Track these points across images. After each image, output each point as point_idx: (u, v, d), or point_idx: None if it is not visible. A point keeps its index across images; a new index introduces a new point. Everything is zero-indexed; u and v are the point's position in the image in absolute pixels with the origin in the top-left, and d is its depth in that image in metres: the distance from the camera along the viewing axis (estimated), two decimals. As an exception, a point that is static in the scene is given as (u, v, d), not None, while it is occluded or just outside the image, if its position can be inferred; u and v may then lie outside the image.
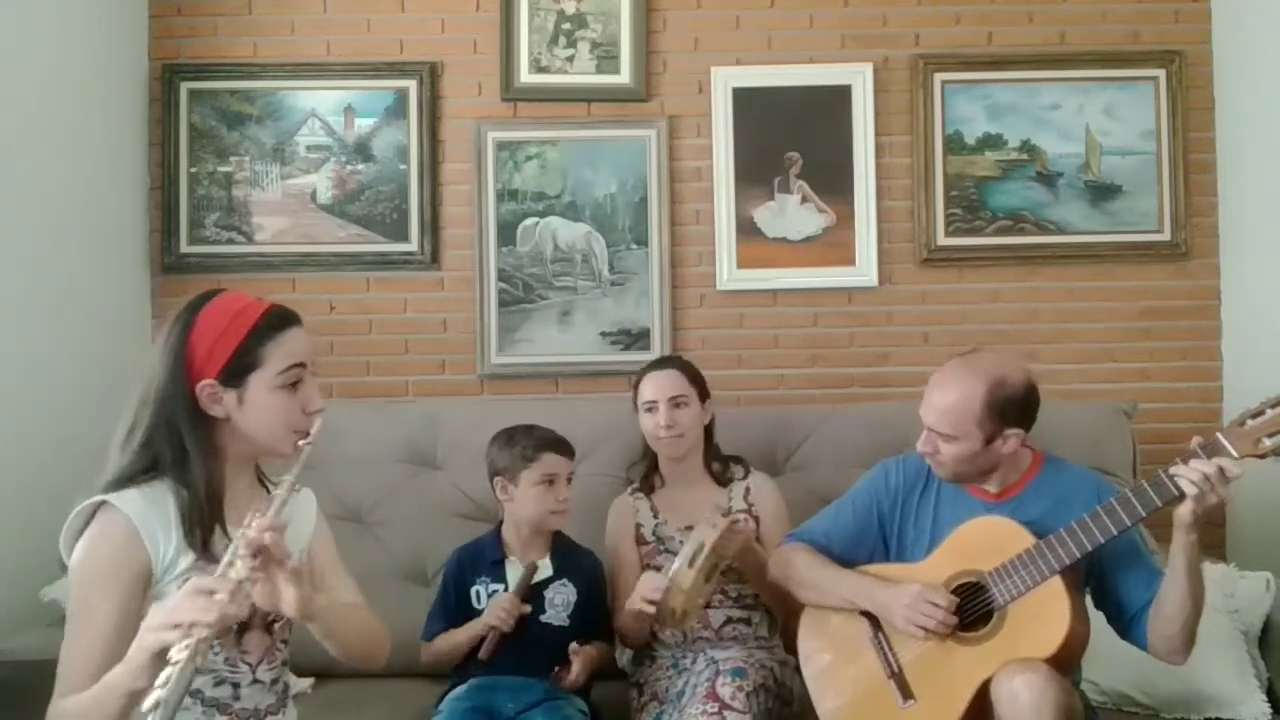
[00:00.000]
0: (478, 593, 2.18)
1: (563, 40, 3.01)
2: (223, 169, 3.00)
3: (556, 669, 2.09)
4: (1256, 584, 2.31)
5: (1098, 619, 1.88)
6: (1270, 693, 2.21)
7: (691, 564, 1.98)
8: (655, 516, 2.34)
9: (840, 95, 3.01)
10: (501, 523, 2.27)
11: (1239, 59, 2.94)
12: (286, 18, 3.02)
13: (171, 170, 2.97)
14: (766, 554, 2.17)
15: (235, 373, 1.46)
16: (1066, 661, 1.77)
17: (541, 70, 3.01)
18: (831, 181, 3.01)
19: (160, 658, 1.24)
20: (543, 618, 2.14)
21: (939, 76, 3.01)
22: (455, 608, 2.20)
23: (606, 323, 3.00)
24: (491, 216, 2.99)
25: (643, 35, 3.00)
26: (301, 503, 1.63)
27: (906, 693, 1.87)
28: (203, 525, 1.44)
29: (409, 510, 2.61)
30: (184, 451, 1.44)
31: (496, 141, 2.99)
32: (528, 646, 2.10)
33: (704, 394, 2.36)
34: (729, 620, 2.24)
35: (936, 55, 3.02)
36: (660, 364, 2.43)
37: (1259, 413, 1.68)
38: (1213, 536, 2.87)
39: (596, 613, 2.22)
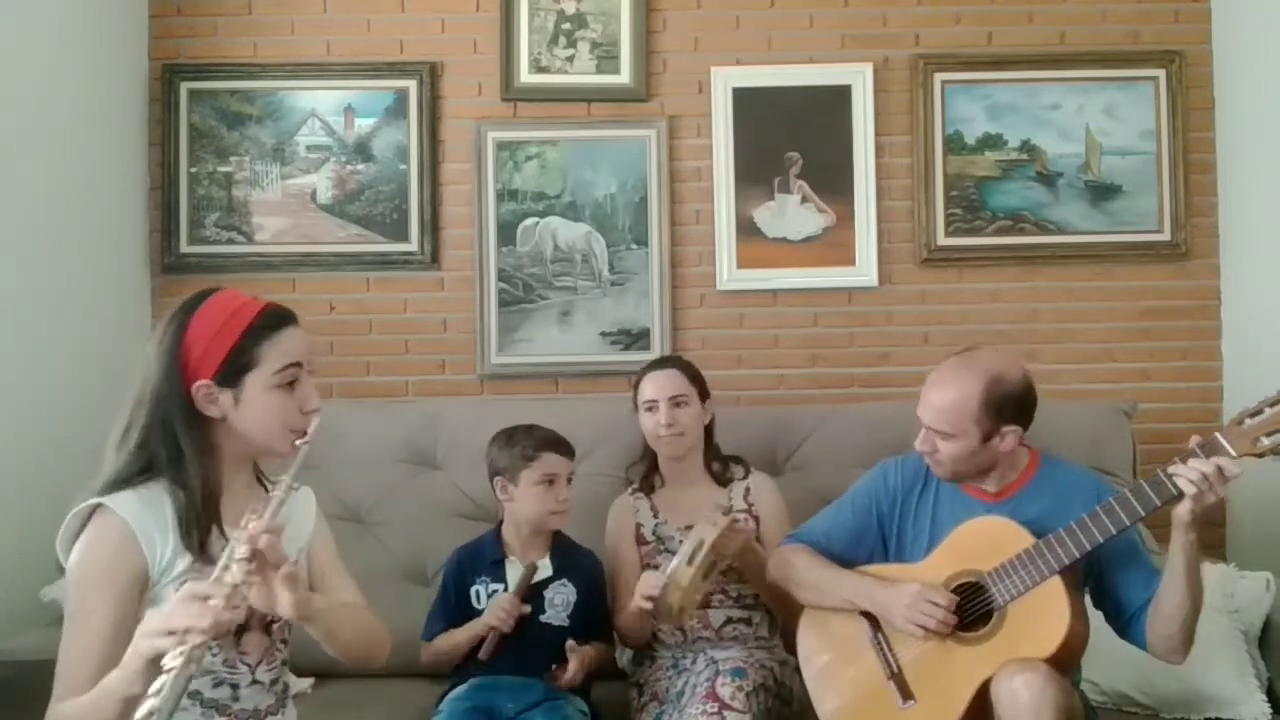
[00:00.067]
0: (477, 593, 2.18)
1: (563, 40, 3.01)
2: (223, 169, 3.00)
3: (554, 667, 2.09)
4: (1256, 584, 2.31)
5: (1096, 618, 1.88)
6: (1270, 693, 2.21)
7: (691, 561, 1.99)
8: (655, 516, 2.34)
9: (840, 95, 3.01)
10: (501, 523, 2.27)
11: (1239, 59, 2.94)
12: (286, 18, 3.02)
13: (171, 170, 2.97)
14: (766, 554, 2.17)
15: (231, 373, 1.44)
16: (1066, 661, 1.77)
17: (541, 70, 3.01)
18: (831, 181, 3.01)
19: (155, 664, 1.23)
20: (542, 618, 2.14)
21: (939, 76, 3.01)
22: (455, 608, 2.20)
23: (606, 323, 3.00)
24: (491, 216, 2.99)
25: (643, 35, 3.00)
26: (300, 501, 1.62)
27: (906, 693, 1.87)
28: (199, 527, 1.43)
29: (409, 510, 2.61)
30: (179, 452, 1.43)
31: (496, 141, 3.00)
32: (527, 646, 2.10)
33: (704, 394, 2.36)
34: (729, 620, 2.24)
35: (936, 55, 3.02)
36: (660, 363, 2.44)
37: (1257, 412, 1.68)
38: (1213, 536, 2.87)
39: (596, 613, 2.22)
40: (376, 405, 2.89)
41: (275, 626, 1.53)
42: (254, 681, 1.50)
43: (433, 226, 3.00)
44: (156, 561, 1.42)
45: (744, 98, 3.00)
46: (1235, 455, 1.66)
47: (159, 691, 1.20)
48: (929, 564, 1.93)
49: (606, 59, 3.01)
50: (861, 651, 1.94)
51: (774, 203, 3.01)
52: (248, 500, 1.44)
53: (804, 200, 3.01)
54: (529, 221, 3.00)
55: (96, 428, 1.53)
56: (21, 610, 2.28)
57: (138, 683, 1.24)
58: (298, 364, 1.49)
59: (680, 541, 2.17)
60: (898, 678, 1.88)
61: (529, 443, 2.18)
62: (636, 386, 2.38)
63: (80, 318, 2.63)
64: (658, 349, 2.95)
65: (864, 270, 3.00)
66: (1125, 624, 1.86)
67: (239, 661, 1.49)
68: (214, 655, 1.44)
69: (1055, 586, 1.77)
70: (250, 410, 1.46)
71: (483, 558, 2.22)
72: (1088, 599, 1.89)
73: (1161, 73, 3.01)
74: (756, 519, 2.32)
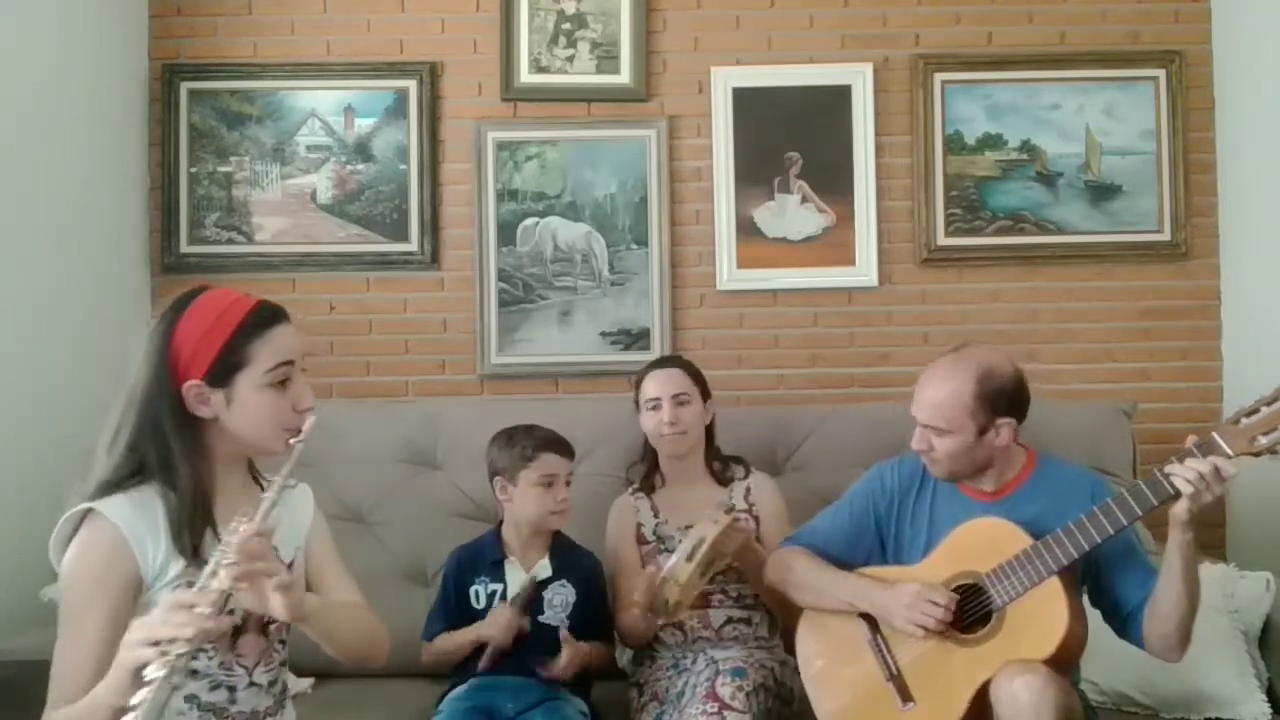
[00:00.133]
0: (477, 592, 2.18)
1: (563, 40, 3.01)
2: (223, 169, 3.00)
3: (545, 659, 2.08)
4: (1256, 584, 2.31)
5: (1094, 617, 1.89)
6: (1270, 693, 2.21)
7: (691, 558, 1.99)
8: (656, 516, 2.34)
9: (840, 95, 3.01)
10: (501, 523, 2.27)
11: (1239, 59, 2.94)
12: (286, 18, 3.02)
13: (171, 170, 2.97)
14: (766, 553, 2.17)
15: (222, 372, 1.42)
16: (1065, 662, 1.77)
17: (541, 70, 3.01)
18: (831, 181, 3.01)
19: (140, 675, 1.21)
20: (542, 618, 2.14)
21: (939, 76, 3.01)
22: (455, 607, 2.20)
23: (606, 323, 3.00)
24: (491, 216, 2.99)
25: (643, 35, 3.00)
26: (298, 498, 1.61)
27: (906, 695, 1.87)
28: (192, 530, 1.40)
29: (409, 510, 2.61)
30: (170, 454, 1.41)
31: (496, 141, 2.99)
32: (527, 647, 2.10)
33: (705, 393, 2.37)
34: (729, 620, 2.24)
35: (936, 55, 3.02)
36: (663, 363, 2.44)
37: (1254, 411, 1.68)
38: (1213, 536, 2.87)
39: (596, 613, 2.22)
40: (376, 405, 2.89)
41: (272, 628, 1.51)
42: (251, 684, 1.48)
43: (433, 226, 3.00)
44: (149, 566, 1.40)
45: (744, 98, 3.00)
46: (1232, 454, 1.66)
47: (139, 704, 1.19)
48: (927, 565, 1.93)
49: (606, 59, 3.01)
50: (860, 653, 1.94)
51: (774, 203, 3.01)
52: (243, 500, 1.42)
53: (804, 200, 3.01)
54: (529, 221, 3.00)
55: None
56: (21, 610, 2.28)
57: (125, 694, 1.22)
58: (290, 362, 1.46)
59: (680, 541, 2.17)
60: (897, 679, 1.88)
61: (528, 443, 2.18)
62: (638, 386, 2.38)
63: (80, 318, 2.63)
64: (658, 349, 2.95)
65: (864, 270, 3.00)
66: (1122, 623, 1.87)
67: (236, 664, 1.47)
68: (210, 658, 1.43)
69: (1054, 587, 1.77)
70: (242, 410, 1.43)
71: (482, 558, 2.22)
72: (1085, 598, 1.90)
73: (1161, 73, 3.01)
74: (757, 519, 2.32)
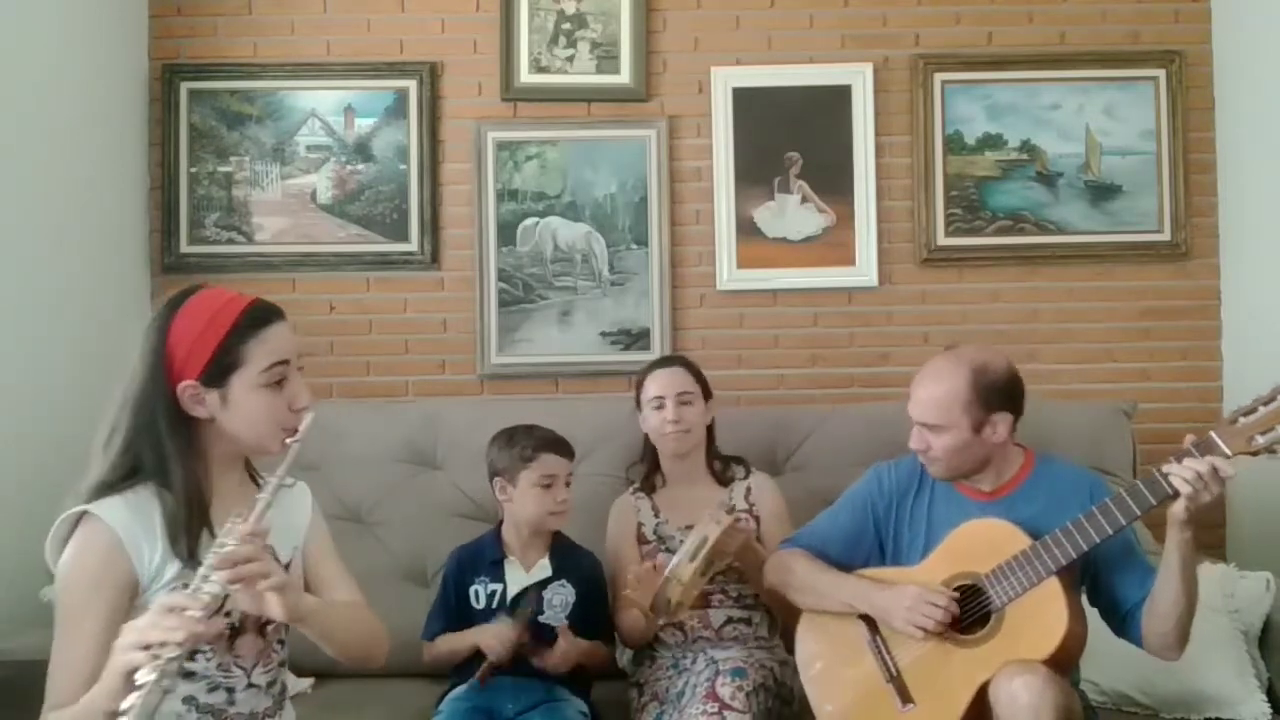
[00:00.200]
0: (477, 593, 2.18)
1: (563, 40, 3.01)
2: (223, 169, 3.00)
3: (541, 649, 2.07)
4: (1256, 584, 2.31)
5: (1091, 616, 1.89)
6: (1270, 693, 2.21)
7: (693, 558, 2.00)
8: (656, 516, 2.34)
9: (840, 95, 3.01)
10: (501, 523, 2.27)
11: (1239, 59, 2.94)
12: (286, 18, 3.02)
13: (171, 170, 2.97)
14: (766, 553, 2.17)
15: (217, 372, 1.41)
16: (1065, 662, 1.77)
17: (541, 70, 3.01)
18: (831, 181, 3.01)
19: (131, 679, 1.21)
20: (542, 618, 2.14)
21: (939, 76, 3.01)
22: (455, 608, 2.20)
23: (606, 323, 3.00)
24: (491, 216, 2.99)
25: (643, 35, 3.00)
26: (296, 497, 1.60)
27: (905, 696, 1.86)
28: (188, 532, 1.39)
29: (409, 510, 2.61)
30: (165, 454, 1.40)
31: (496, 141, 2.99)
32: (525, 648, 2.10)
33: (707, 393, 2.38)
34: (729, 620, 2.24)
35: (936, 55, 3.02)
36: (665, 362, 2.45)
37: (1251, 410, 1.68)
38: (1213, 537, 2.87)
39: (596, 613, 2.22)
40: (376, 405, 2.89)
41: (270, 629, 1.50)
42: (250, 685, 1.47)
43: (433, 226, 3.00)
44: (145, 569, 1.39)
45: (744, 98, 3.00)
46: (1230, 454, 1.66)
47: (129, 710, 1.18)
48: (926, 566, 1.93)
49: (606, 59, 3.01)
50: (860, 655, 1.94)
51: (774, 203, 3.01)
52: (240, 500, 1.41)
53: (804, 200, 3.01)
54: (529, 221, 3.00)
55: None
56: (21, 610, 2.28)
57: (118, 698, 1.21)
58: (285, 361, 1.45)
59: (681, 541, 2.17)
60: (897, 680, 1.88)
61: (528, 443, 2.18)
62: (640, 385, 2.38)
63: (80, 318, 2.63)
64: (658, 349, 2.95)
65: (864, 270, 3.00)
66: (1121, 622, 1.87)
67: (234, 665, 1.46)
68: (208, 660, 1.43)
69: (1053, 587, 1.78)
70: (238, 410, 1.43)
71: (482, 558, 2.22)
72: (1083, 597, 1.90)
73: (1161, 73, 3.01)
74: (757, 519, 2.33)
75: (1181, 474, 1.66)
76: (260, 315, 1.46)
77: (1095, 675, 2.20)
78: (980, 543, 1.87)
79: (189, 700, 1.42)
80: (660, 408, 2.31)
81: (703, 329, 3.01)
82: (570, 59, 3.01)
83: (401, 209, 3.00)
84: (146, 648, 1.20)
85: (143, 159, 2.99)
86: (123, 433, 1.42)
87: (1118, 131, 3.01)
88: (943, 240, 3.00)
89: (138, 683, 1.19)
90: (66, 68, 2.63)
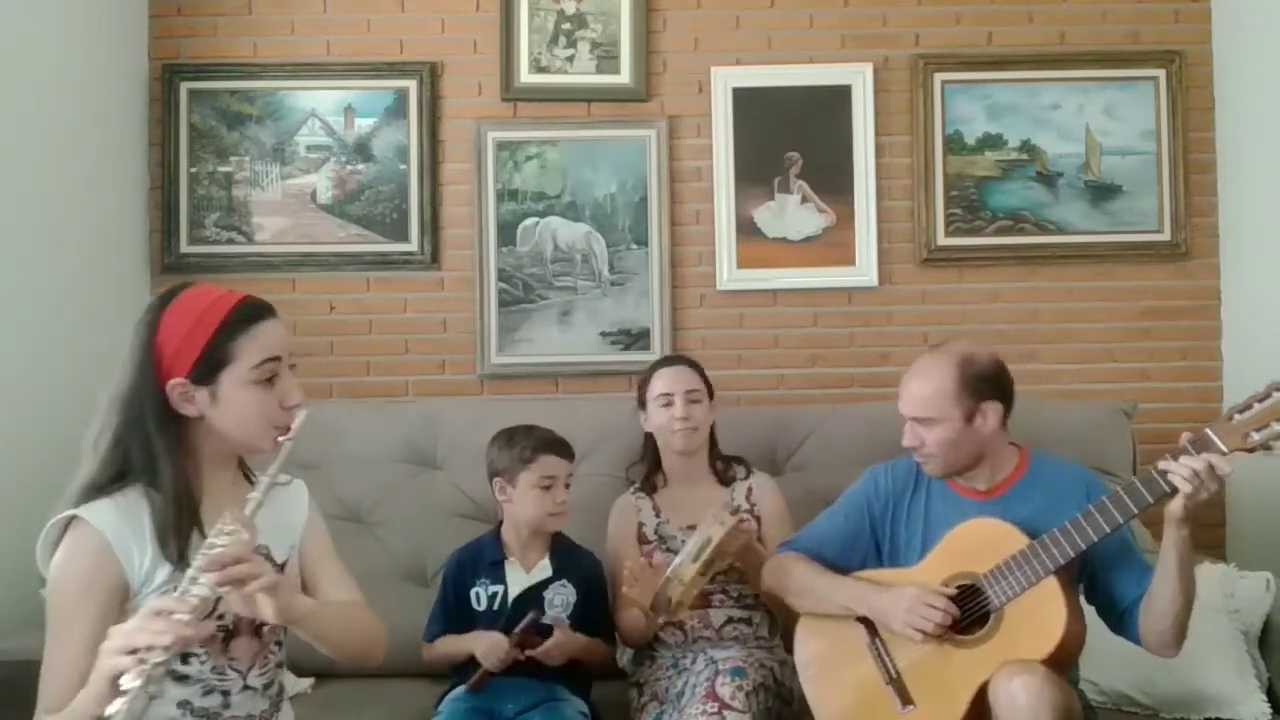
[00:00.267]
0: (477, 594, 2.18)
1: (563, 40, 3.01)
2: (223, 169, 3.00)
3: (537, 639, 2.06)
4: (1256, 584, 2.31)
5: (1089, 614, 1.89)
6: (1270, 693, 2.21)
7: (696, 558, 2.00)
8: (657, 515, 2.34)
9: (840, 95, 3.01)
10: (501, 523, 2.27)
11: (1239, 59, 2.94)
12: (286, 18, 3.02)
13: (171, 170, 2.97)
14: (767, 554, 2.18)
15: (206, 370, 1.39)
16: (1064, 661, 1.77)
17: (541, 70, 3.01)
18: (831, 181, 3.00)
19: (117, 683, 1.19)
20: (542, 619, 2.13)
21: (939, 76, 3.01)
22: (455, 609, 2.20)
23: (606, 323, 3.00)
24: (491, 216, 2.99)
25: (643, 35, 3.00)
26: (293, 496, 1.59)
27: (905, 698, 1.86)
28: (177, 534, 1.38)
29: (409, 510, 2.61)
30: (153, 453, 1.38)
31: (496, 141, 2.99)
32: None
33: (711, 393, 2.38)
34: (729, 620, 2.24)
35: (936, 55, 3.02)
36: (673, 360, 2.46)
37: (1246, 407, 1.68)
38: (1213, 536, 2.87)
39: (596, 613, 2.21)
40: (376, 405, 2.89)
41: (266, 630, 1.48)
42: (246, 687, 1.46)
43: (433, 226, 3.00)
44: (135, 572, 1.37)
45: (744, 98, 3.00)
46: (1226, 451, 1.66)
47: (116, 714, 1.16)
48: (924, 567, 1.93)
49: (606, 59, 3.01)
50: (859, 657, 1.94)
51: (774, 203, 3.01)
52: (232, 500, 1.39)
53: (804, 200, 3.01)
54: (529, 221, 3.00)
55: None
56: (21, 610, 2.27)
57: (104, 702, 1.20)
58: (276, 358, 1.43)
59: (682, 541, 2.17)
60: (896, 682, 1.88)
61: (528, 444, 2.18)
62: (646, 383, 2.38)
63: (80, 318, 2.63)
64: (658, 349, 2.95)
65: (864, 270, 3.00)
66: (1118, 619, 1.87)
67: (229, 668, 1.44)
68: (202, 663, 1.41)
69: (1051, 586, 1.77)
70: (228, 408, 1.41)
71: (482, 559, 2.22)
72: (1080, 595, 1.90)
73: (1161, 73, 3.01)
74: (758, 519, 2.33)
75: (1179, 472, 1.66)
76: (250, 312, 1.44)
77: (1095, 675, 2.20)
78: (978, 542, 1.87)
79: (183, 705, 1.40)
80: (668, 405, 2.32)
81: (703, 329, 3.01)
82: (570, 59, 3.01)
83: (401, 209, 3.00)
84: (133, 652, 1.19)
85: (143, 159, 2.99)
86: (111, 431, 1.40)
87: (1118, 131, 3.01)
88: (943, 240, 3.01)
89: (123, 688, 1.17)
90: (66, 68, 2.63)
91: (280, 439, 1.41)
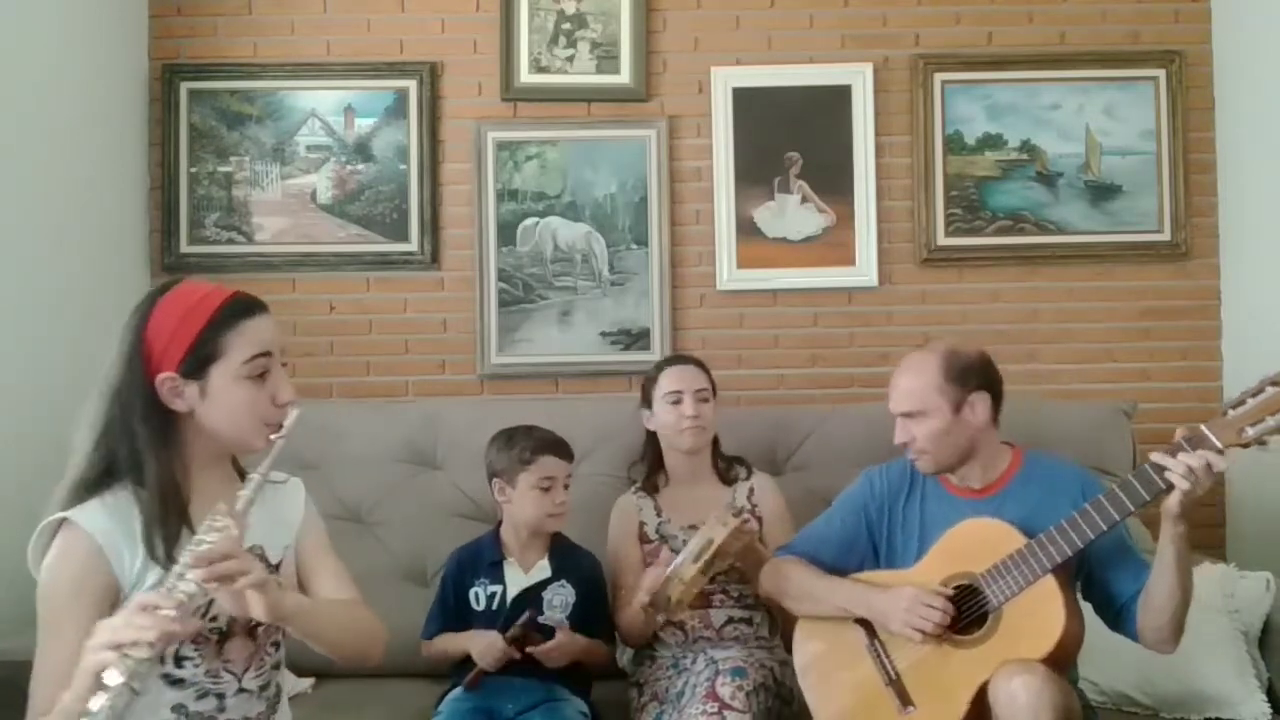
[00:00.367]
0: (476, 594, 2.18)
1: (563, 40, 3.01)
2: (223, 169, 3.00)
3: (538, 638, 2.06)
4: (1256, 584, 2.31)
5: (1087, 613, 1.89)
6: (1270, 693, 2.21)
7: (698, 559, 2.00)
8: (659, 515, 2.34)
9: (840, 95, 3.01)
10: (500, 524, 2.27)
11: (1239, 59, 2.94)
12: (286, 18, 3.02)
13: (171, 170, 2.97)
14: (768, 554, 2.18)
15: (195, 364, 1.38)
16: (1063, 660, 1.77)
17: (541, 70, 3.01)
18: (831, 181, 3.00)
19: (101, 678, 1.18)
20: (541, 619, 2.13)
21: (939, 76, 3.01)
22: (453, 608, 2.20)
23: (606, 323, 3.00)
24: (491, 216, 2.99)
25: (643, 35, 3.00)
26: (289, 494, 1.58)
27: (905, 699, 1.86)
28: (165, 532, 1.36)
29: (409, 510, 2.61)
30: (138, 447, 1.37)
31: (496, 141, 2.99)
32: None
33: (715, 393, 2.39)
34: (730, 620, 2.24)
35: (936, 55, 3.02)
36: (680, 359, 2.45)
37: (1240, 403, 1.69)
38: (1213, 536, 2.87)
39: (595, 613, 2.22)
40: (376, 405, 2.89)
41: (260, 630, 1.46)
42: (241, 690, 1.44)
43: (433, 226, 3.00)
44: (126, 574, 1.36)
45: (744, 98, 3.00)
46: (1221, 447, 1.66)
47: (97, 713, 1.14)
48: (921, 568, 1.93)
49: (606, 59, 3.01)
50: (858, 659, 1.94)
51: (774, 203, 3.01)
52: (224, 499, 1.37)
53: (804, 200, 3.01)
54: (529, 221, 3.00)
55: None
56: (22, 610, 2.26)
57: (88, 699, 1.18)
58: (267, 354, 1.42)
59: (683, 541, 2.18)
60: (896, 684, 1.88)
61: (527, 445, 2.18)
62: (653, 382, 2.37)
63: (80, 318, 2.63)
64: (658, 349, 2.95)
65: (864, 270, 3.00)
66: (1115, 616, 1.87)
67: (223, 670, 1.42)
68: (196, 666, 1.40)
69: (1049, 585, 1.78)
70: (219, 403, 1.39)
71: (481, 559, 2.22)
72: (1078, 592, 1.90)
73: (1161, 73, 3.01)
74: (759, 519, 2.33)
75: (1174, 469, 1.66)
76: (241, 307, 1.43)
77: (1095, 675, 2.20)
78: (975, 542, 1.87)
79: (177, 708, 1.39)
80: (678, 403, 2.32)
81: (703, 329, 3.01)
82: (570, 59, 3.01)
83: (401, 209, 3.00)
84: (118, 647, 1.18)
85: (143, 159, 2.99)
86: (98, 425, 1.39)
87: (1118, 131, 3.01)
88: (943, 240, 3.01)
89: (106, 683, 1.16)
90: (66, 68, 2.63)
91: (272, 436, 1.40)
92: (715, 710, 1.88)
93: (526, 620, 2.06)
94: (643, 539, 2.32)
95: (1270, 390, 1.66)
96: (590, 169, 3.01)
